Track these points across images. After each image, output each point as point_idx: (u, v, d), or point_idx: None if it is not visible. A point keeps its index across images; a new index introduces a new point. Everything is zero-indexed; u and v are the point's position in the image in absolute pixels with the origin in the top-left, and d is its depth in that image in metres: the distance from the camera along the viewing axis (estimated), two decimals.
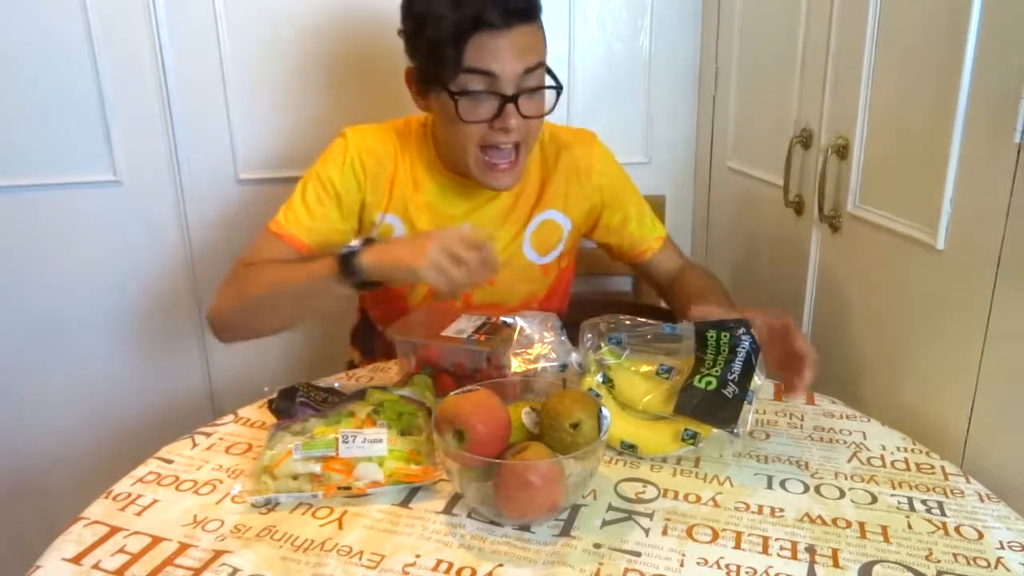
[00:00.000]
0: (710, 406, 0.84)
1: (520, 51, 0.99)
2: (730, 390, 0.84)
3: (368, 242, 0.98)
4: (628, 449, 0.88)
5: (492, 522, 0.77)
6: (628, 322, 0.95)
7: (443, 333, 1.00)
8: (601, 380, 0.91)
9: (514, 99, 1.00)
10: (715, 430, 0.85)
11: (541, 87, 1.03)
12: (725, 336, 0.89)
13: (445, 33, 0.97)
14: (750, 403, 0.85)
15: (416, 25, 1.01)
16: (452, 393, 0.82)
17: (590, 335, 0.93)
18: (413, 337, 1.02)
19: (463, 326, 1.01)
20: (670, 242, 1.26)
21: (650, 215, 1.24)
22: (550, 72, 1.05)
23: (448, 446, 0.75)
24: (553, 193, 1.18)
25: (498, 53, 0.98)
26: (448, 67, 0.99)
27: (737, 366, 0.86)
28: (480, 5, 0.96)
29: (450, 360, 1.00)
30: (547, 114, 1.06)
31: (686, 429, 0.86)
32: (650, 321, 0.95)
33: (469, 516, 0.78)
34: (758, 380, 0.87)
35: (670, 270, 1.24)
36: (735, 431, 0.84)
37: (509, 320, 0.99)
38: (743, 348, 0.87)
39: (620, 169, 1.23)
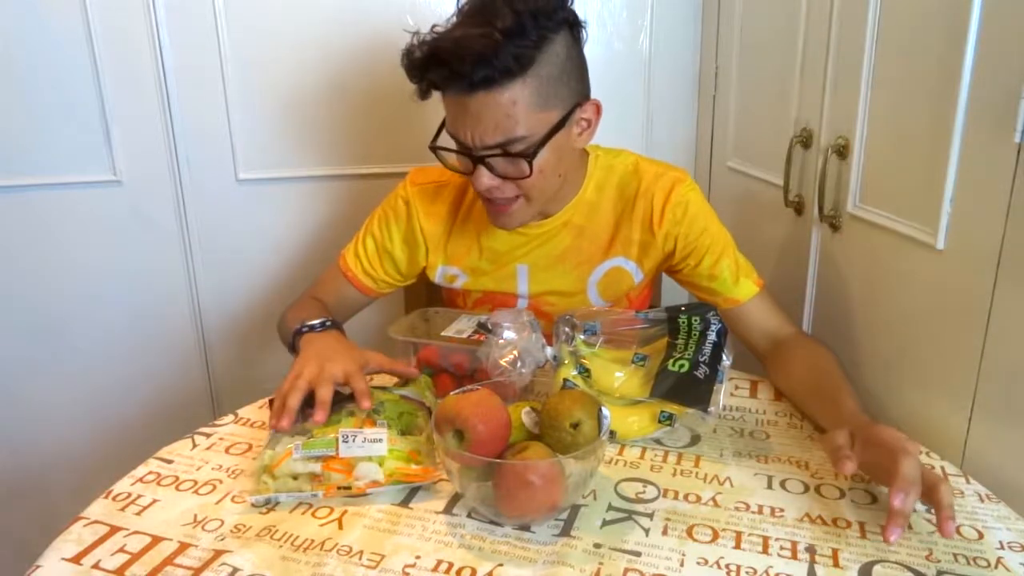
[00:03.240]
0: (684, 388, 0.88)
1: (483, 121, 0.91)
2: (701, 371, 0.88)
3: (324, 326, 1.03)
4: (608, 436, 0.89)
5: (492, 522, 0.77)
6: (601, 312, 0.97)
7: (443, 333, 1.00)
8: (577, 371, 0.92)
9: (482, 160, 0.95)
10: (689, 410, 0.88)
11: (519, 155, 0.94)
12: (696, 320, 0.92)
13: (420, 93, 0.95)
14: (721, 383, 0.89)
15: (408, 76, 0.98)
16: (452, 393, 0.82)
17: (564, 328, 0.95)
18: (413, 337, 1.02)
19: (463, 326, 1.01)
20: (764, 298, 1.10)
21: (732, 273, 1.08)
22: (557, 130, 0.95)
23: (448, 446, 0.75)
24: (625, 239, 1.10)
25: (459, 119, 0.93)
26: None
27: (707, 348, 0.90)
28: (436, 72, 0.90)
29: (449, 360, 1.00)
30: (528, 176, 0.95)
31: (662, 411, 0.90)
32: (621, 310, 0.97)
33: (469, 516, 0.78)
34: (726, 360, 0.90)
35: (757, 327, 1.10)
36: (708, 410, 0.87)
37: (483, 319, 0.98)
38: (712, 330, 0.91)
39: (702, 219, 1.08)
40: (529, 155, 0.94)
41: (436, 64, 0.90)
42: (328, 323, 1.03)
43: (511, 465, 0.73)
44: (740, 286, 1.09)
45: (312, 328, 1.02)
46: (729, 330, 0.95)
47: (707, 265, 1.08)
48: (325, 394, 0.86)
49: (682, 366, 0.89)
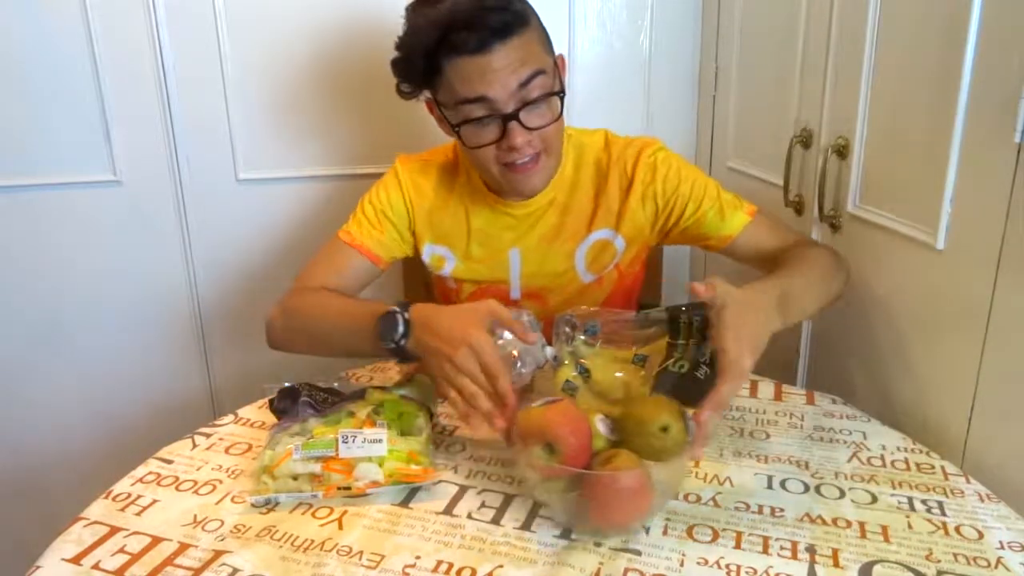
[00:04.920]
0: (684, 388, 0.86)
1: (509, 67, 0.94)
2: (702, 372, 0.87)
3: (406, 312, 0.90)
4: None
5: (492, 522, 0.77)
6: (601, 312, 0.96)
7: None
8: (578, 371, 0.92)
9: (515, 116, 0.96)
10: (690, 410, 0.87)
11: (544, 95, 0.98)
12: (697, 320, 0.91)
13: (426, 68, 0.97)
14: None
15: (405, 67, 1.00)
16: (534, 404, 0.79)
17: (564, 328, 0.94)
18: None
19: None
20: (758, 224, 1.09)
21: (718, 211, 1.08)
22: (557, 71, 1.01)
23: (538, 460, 0.74)
24: (606, 211, 1.12)
25: (484, 76, 0.94)
26: (445, 100, 0.99)
27: (707, 349, 0.88)
28: (449, 33, 0.92)
29: None
30: (557, 119, 1.01)
31: None
32: (622, 310, 0.97)
33: (469, 516, 0.78)
34: None
35: (756, 254, 1.09)
36: None
37: None
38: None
39: (677, 168, 1.10)
40: (560, 91, 1.00)
41: (454, 28, 0.92)
42: (407, 309, 0.91)
43: (607, 476, 0.72)
44: (728, 221, 1.09)
45: (406, 333, 0.89)
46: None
47: (690, 212, 1.10)
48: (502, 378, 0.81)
49: (682, 366, 0.89)
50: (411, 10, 0.99)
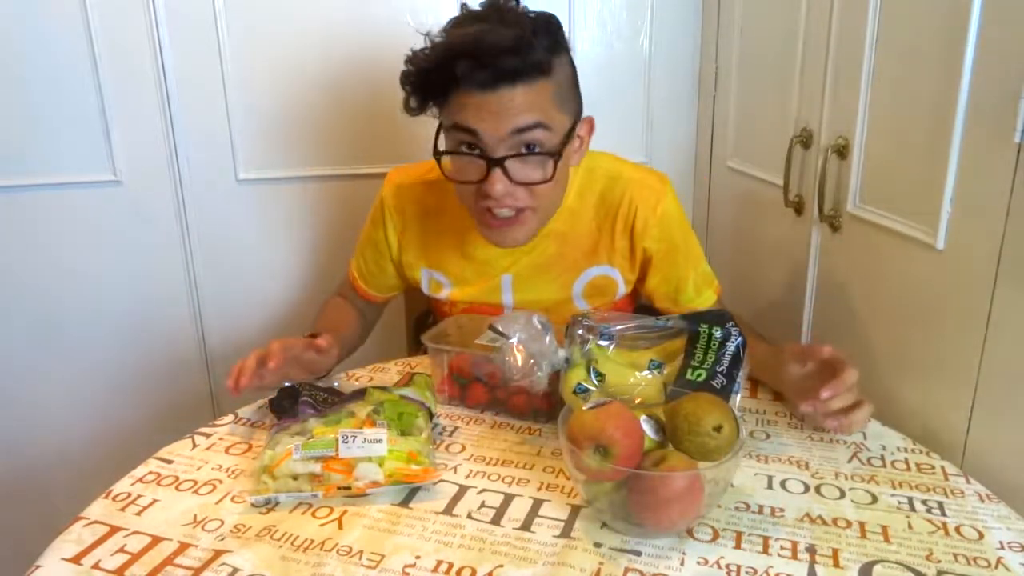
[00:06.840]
0: None
1: (509, 111, 0.90)
2: (719, 381, 0.87)
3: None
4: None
5: (492, 522, 0.77)
6: (617, 317, 0.95)
7: (476, 341, 0.97)
8: (590, 375, 0.91)
9: (500, 163, 0.92)
10: None
11: (540, 152, 0.93)
12: (717, 331, 0.90)
13: (428, 90, 0.94)
14: (736, 393, 0.87)
15: (409, 83, 0.96)
16: (585, 408, 0.79)
17: (578, 330, 0.93)
18: (445, 345, 0.99)
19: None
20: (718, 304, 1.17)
21: (696, 285, 1.13)
22: (570, 134, 0.97)
23: (591, 463, 0.73)
24: (608, 246, 1.10)
25: (480, 112, 0.90)
26: (446, 123, 0.95)
27: (726, 359, 0.88)
28: (460, 64, 0.88)
29: (483, 369, 0.97)
30: (548, 180, 0.95)
31: None
32: (639, 316, 0.96)
33: (469, 516, 0.78)
34: (743, 372, 0.89)
35: None
36: None
37: (493, 322, 0.96)
38: (732, 343, 0.89)
39: (680, 232, 1.11)
40: (556, 153, 0.94)
41: (461, 56, 0.88)
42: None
43: (662, 477, 0.71)
44: (702, 297, 1.14)
45: None
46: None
47: (676, 277, 1.12)
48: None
49: (699, 375, 0.87)
50: (445, 27, 0.96)
